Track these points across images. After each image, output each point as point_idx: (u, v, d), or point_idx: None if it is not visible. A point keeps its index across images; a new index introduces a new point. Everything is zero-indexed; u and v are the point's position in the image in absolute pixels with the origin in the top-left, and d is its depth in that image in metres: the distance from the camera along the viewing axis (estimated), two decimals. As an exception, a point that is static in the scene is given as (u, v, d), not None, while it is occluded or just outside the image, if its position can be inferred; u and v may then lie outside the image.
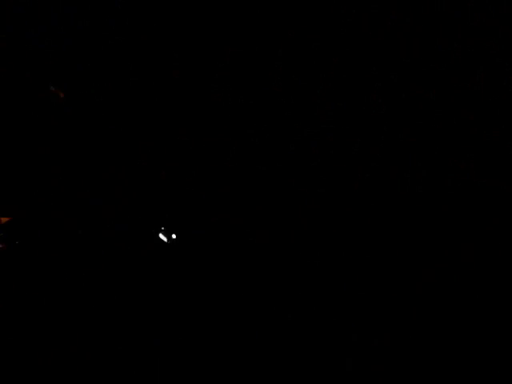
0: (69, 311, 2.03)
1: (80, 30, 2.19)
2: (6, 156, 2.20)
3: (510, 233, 2.07)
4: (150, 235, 2.27)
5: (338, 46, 2.20)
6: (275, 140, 2.37)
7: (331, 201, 2.32)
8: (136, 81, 2.33)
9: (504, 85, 2.06)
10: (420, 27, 2.08)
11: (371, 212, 2.27)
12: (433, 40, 2.10)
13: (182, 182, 2.38)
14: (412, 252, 2.19)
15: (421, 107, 2.22)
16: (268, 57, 2.26)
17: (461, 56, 2.09)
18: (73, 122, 2.30)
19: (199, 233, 2.34)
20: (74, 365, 1.90)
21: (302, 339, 2.09)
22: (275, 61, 2.27)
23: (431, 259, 2.16)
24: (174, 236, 2.13)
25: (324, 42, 2.20)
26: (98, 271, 2.15)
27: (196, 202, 2.37)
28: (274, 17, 2.17)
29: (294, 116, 2.35)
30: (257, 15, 2.17)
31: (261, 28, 2.21)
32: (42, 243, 2.13)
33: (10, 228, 2.02)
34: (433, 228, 2.19)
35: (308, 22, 2.16)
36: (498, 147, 2.11)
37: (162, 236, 2.17)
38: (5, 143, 2.21)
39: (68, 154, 2.28)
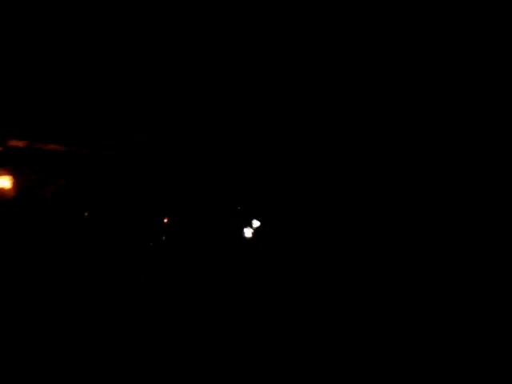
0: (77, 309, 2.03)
1: (80, 30, 2.19)
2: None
3: (510, 233, 2.06)
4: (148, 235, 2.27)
5: (337, 45, 2.20)
6: (275, 140, 2.37)
7: (331, 200, 2.32)
8: (136, 81, 2.33)
9: (504, 85, 2.06)
10: (420, 27, 2.08)
11: (371, 212, 2.27)
12: (433, 40, 2.09)
13: (182, 182, 2.38)
14: (412, 252, 2.19)
15: (421, 107, 2.22)
16: (268, 57, 2.26)
17: (461, 56, 2.09)
18: (73, 121, 2.30)
19: (198, 231, 2.34)
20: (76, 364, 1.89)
21: (302, 339, 2.10)
22: (275, 61, 2.27)
23: (431, 259, 2.16)
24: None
25: (324, 42, 2.20)
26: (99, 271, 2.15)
27: (195, 202, 2.37)
28: (274, 17, 2.16)
29: (294, 116, 2.35)
30: (257, 15, 2.17)
31: (261, 28, 2.20)
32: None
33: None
34: (432, 228, 2.19)
35: (308, 21, 2.16)
36: (497, 147, 2.11)
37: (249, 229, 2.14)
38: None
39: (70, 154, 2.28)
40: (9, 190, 2.16)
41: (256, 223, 2.35)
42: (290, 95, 2.33)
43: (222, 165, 2.39)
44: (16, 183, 2.18)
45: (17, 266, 2.05)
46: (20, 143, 2.17)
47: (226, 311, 2.16)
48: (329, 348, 2.06)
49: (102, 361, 1.91)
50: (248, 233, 2.34)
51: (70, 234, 2.18)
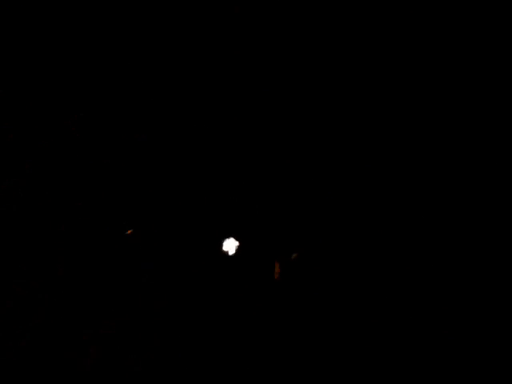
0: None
1: (79, 30, 2.19)
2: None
3: (510, 233, 2.06)
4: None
5: (337, 45, 2.20)
6: (275, 140, 2.37)
7: (330, 201, 2.32)
8: (136, 80, 2.33)
9: (504, 85, 2.06)
10: (420, 27, 2.08)
11: (371, 212, 2.27)
12: (433, 40, 2.10)
13: (181, 182, 2.38)
14: (412, 252, 2.19)
15: (421, 107, 2.22)
16: (267, 57, 2.26)
17: (461, 56, 2.09)
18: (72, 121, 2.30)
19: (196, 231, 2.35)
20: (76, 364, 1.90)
21: (302, 340, 2.10)
22: (275, 61, 2.27)
23: (431, 260, 2.16)
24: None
25: (324, 42, 2.20)
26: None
27: (193, 202, 2.38)
28: (274, 17, 2.17)
29: (293, 116, 2.35)
30: (256, 15, 2.17)
31: (261, 28, 2.21)
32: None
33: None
34: (432, 228, 2.19)
35: (308, 21, 2.16)
36: (497, 147, 2.11)
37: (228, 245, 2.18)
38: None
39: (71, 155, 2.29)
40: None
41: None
42: (289, 95, 2.33)
43: (222, 165, 2.39)
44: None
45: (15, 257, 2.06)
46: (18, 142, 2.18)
47: (223, 310, 2.16)
48: (329, 348, 2.06)
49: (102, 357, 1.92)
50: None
51: (68, 234, 2.19)
